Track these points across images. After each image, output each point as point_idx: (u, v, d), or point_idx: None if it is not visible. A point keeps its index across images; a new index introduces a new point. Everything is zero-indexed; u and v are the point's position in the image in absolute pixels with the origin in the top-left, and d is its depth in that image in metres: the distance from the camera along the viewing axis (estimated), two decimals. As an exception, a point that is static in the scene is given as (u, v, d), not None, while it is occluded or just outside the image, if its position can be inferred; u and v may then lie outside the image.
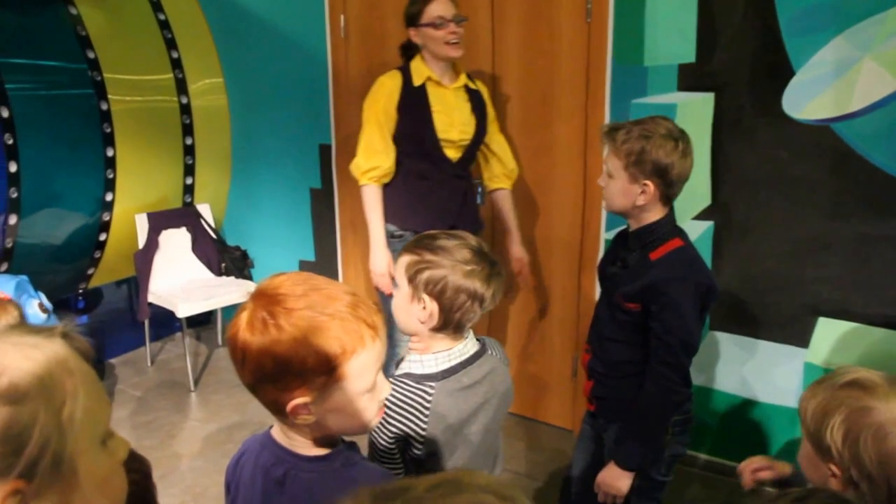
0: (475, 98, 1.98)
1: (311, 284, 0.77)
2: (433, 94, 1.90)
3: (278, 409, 0.78)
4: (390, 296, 2.01)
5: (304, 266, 2.94)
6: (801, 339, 1.91)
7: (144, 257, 2.74)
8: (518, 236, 2.08)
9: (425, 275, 1.03)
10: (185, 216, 2.90)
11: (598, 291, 2.17)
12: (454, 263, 1.02)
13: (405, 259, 1.06)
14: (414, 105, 1.89)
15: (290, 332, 0.73)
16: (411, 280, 1.04)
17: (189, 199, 2.97)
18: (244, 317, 0.76)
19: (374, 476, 0.85)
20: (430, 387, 1.05)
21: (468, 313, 1.04)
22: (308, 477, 0.80)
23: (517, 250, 2.07)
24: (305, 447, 0.81)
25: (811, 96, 1.78)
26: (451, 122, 1.92)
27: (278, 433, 0.83)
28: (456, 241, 1.05)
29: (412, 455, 1.05)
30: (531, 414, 2.47)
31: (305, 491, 0.79)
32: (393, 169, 1.93)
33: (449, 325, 1.05)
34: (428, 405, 1.04)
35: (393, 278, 1.96)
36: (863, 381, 0.75)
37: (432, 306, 1.03)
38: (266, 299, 0.76)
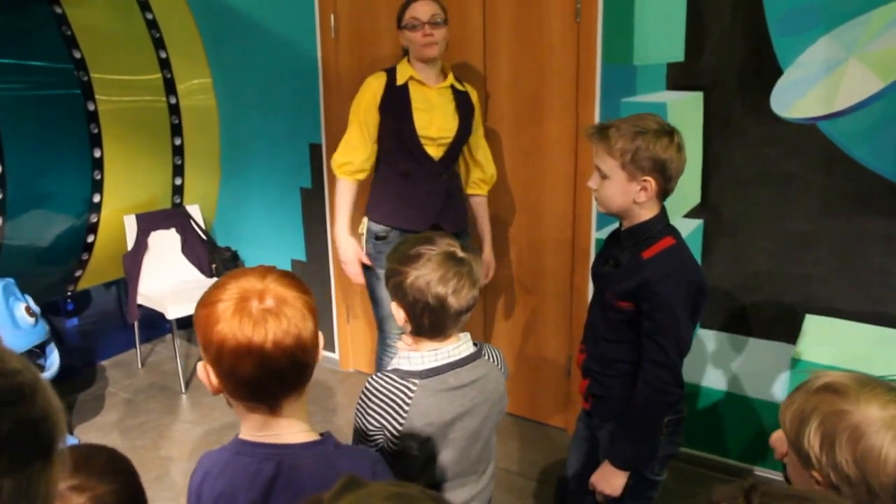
0: (461, 98, 2.00)
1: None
2: (415, 92, 1.94)
3: (313, 369, 0.84)
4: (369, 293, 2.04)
5: (296, 266, 2.93)
6: (790, 335, 1.94)
7: (133, 259, 2.72)
8: (489, 242, 2.14)
9: (391, 283, 1.09)
10: (175, 217, 2.88)
11: (591, 290, 2.19)
12: (411, 270, 1.05)
13: (387, 267, 1.12)
14: (395, 103, 1.94)
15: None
16: (388, 288, 1.11)
17: (178, 200, 2.95)
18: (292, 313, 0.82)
19: (365, 456, 0.90)
20: (414, 383, 1.06)
21: (434, 316, 1.05)
22: (309, 462, 0.82)
23: (486, 255, 2.12)
24: (300, 434, 0.84)
25: (798, 95, 1.80)
26: (431, 119, 1.94)
27: (253, 434, 0.84)
28: (416, 248, 1.06)
29: (389, 449, 1.07)
30: (525, 413, 2.48)
31: (311, 476, 0.81)
32: (366, 165, 2.00)
33: (422, 329, 1.08)
34: (409, 401, 1.05)
35: (365, 265, 1.99)
36: (835, 385, 0.76)
37: (399, 313, 1.09)
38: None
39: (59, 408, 0.52)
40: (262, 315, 0.78)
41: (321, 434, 0.87)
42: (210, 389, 0.84)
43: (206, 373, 0.83)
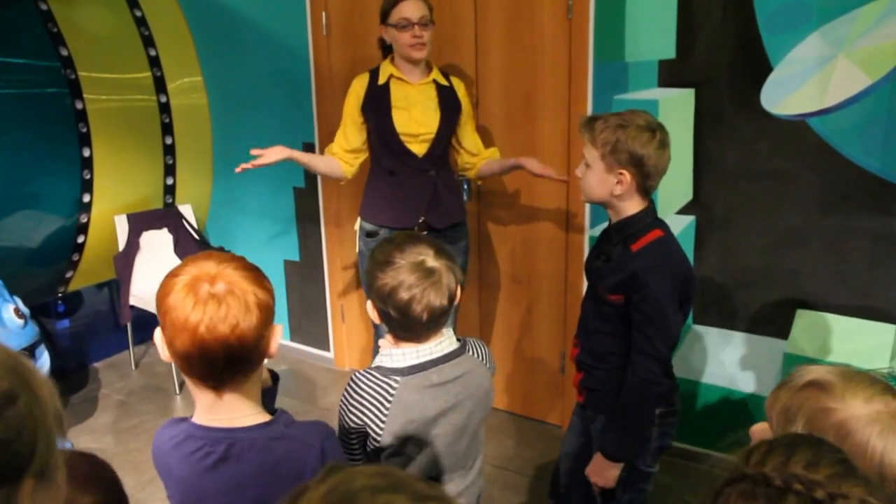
0: (444, 94, 2.00)
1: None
2: (396, 90, 1.95)
3: (257, 362, 0.88)
4: None
5: (289, 266, 2.92)
6: (781, 330, 1.96)
7: (125, 259, 2.70)
8: (517, 159, 1.98)
9: (367, 282, 1.12)
10: (167, 217, 2.86)
11: (584, 287, 2.20)
12: (380, 274, 1.07)
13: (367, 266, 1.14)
14: (376, 102, 1.96)
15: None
16: (366, 286, 1.14)
17: (170, 200, 2.93)
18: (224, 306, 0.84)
19: (313, 430, 0.93)
20: (395, 381, 1.07)
21: (401, 321, 1.06)
22: (261, 444, 0.87)
23: (528, 163, 1.94)
24: (247, 417, 0.89)
25: (788, 92, 1.82)
26: (410, 116, 1.95)
27: (204, 417, 0.89)
28: (392, 254, 1.07)
29: (372, 446, 1.08)
30: (519, 410, 2.49)
31: (260, 456, 0.87)
32: (341, 152, 2.03)
33: (395, 330, 1.10)
34: (390, 398, 1.06)
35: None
36: (819, 382, 0.75)
37: (373, 312, 1.11)
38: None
39: (45, 424, 0.49)
40: (206, 298, 0.82)
41: (274, 414, 0.92)
42: (162, 356, 0.89)
43: (161, 339, 0.87)
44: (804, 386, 0.76)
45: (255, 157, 1.88)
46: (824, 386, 0.75)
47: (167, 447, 0.89)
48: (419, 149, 1.97)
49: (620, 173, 1.26)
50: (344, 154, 2.02)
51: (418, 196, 1.97)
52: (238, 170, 1.87)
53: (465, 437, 1.14)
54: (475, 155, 2.09)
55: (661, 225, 1.32)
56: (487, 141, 2.23)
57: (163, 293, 0.85)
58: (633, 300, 1.27)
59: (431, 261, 1.07)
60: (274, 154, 1.87)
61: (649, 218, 1.31)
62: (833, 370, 0.77)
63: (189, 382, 0.88)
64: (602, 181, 1.28)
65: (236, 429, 0.87)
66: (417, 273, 1.05)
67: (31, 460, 0.47)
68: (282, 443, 0.88)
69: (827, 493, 0.51)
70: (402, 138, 1.94)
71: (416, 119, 1.95)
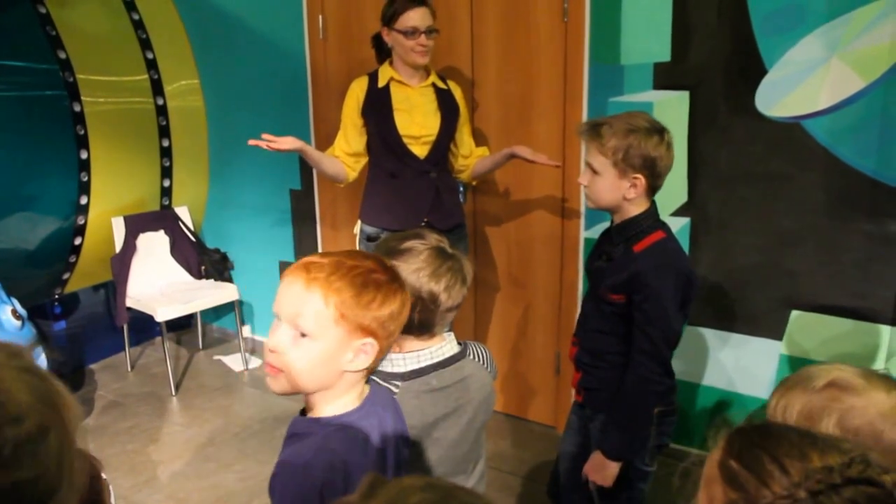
0: (443, 96, 2.01)
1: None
2: (396, 92, 1.96)
3: None
4: None
5: (285, 268, 2.92)
6: (776, 331, 1.96)
7: (122, 261, 2.70)
8: (508, 148, 2.00)
9: None
10: (163, 219, 2.87)
11: (580, 288, 2.20)
12: (400, 265, 1.03)
13: None
14: (377, 105, 1.96)
15: None
16: None
17: (167, 202, 2.93)
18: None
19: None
20: (395, 385, 1.06)
21: (425, 312, 1.04)
22: (392, 402, 0.99)
23: (520, 150, 1.96)
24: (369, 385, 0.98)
25: (782, 94, 1.83)
26: (412, 118, 1.96)
27: (351, 404, 0.91)
28: (407, 242, 1.05)
29: None
30: (515, 412, 2.49)
31: (394, 412, 0.97)
32: (343, 156, 2.02)
33: (410, 326, 1.05)
34: None
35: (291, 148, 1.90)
36: (841, 382, 0.74)
37: None
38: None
39: (70, 456, 0.46)
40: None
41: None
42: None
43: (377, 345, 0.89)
44: (825, 387, 0.75)
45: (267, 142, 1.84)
46: (846, 386, 0.74)
47: (347, 450, 0.85)
48: (421, 151, 1.98)
49: (635, 178, 1.26)
50: (346, 157, 2.02)
51: (421, 198, 1.98)
52: (251, 142, 1.84)
53: (466, 441, 1.13)
54: (468, 157, 2.10)
55: (663, 226, 1.33)
56: (483, 143, 2.24)
57: (385, 293, 0.86)
58: (635, 300, 1.27)
59: (449, 248, 1.06)
60: (287, 143, 1.85)
61: (651, 219, 1.31)
62: (851, 369, 0.76)
63: (356, 377, 0.89)
64: (614, 187, 1.28)
65: (372, 402, 0.92)
66: (442, 258, 1.04)
67: (51, 497, 0.45)
68: (393, 395, 0.98)
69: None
70: (405, 140, 1.95)
71: (417, 121, 1.96)
